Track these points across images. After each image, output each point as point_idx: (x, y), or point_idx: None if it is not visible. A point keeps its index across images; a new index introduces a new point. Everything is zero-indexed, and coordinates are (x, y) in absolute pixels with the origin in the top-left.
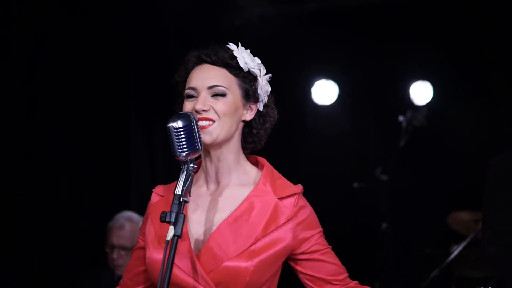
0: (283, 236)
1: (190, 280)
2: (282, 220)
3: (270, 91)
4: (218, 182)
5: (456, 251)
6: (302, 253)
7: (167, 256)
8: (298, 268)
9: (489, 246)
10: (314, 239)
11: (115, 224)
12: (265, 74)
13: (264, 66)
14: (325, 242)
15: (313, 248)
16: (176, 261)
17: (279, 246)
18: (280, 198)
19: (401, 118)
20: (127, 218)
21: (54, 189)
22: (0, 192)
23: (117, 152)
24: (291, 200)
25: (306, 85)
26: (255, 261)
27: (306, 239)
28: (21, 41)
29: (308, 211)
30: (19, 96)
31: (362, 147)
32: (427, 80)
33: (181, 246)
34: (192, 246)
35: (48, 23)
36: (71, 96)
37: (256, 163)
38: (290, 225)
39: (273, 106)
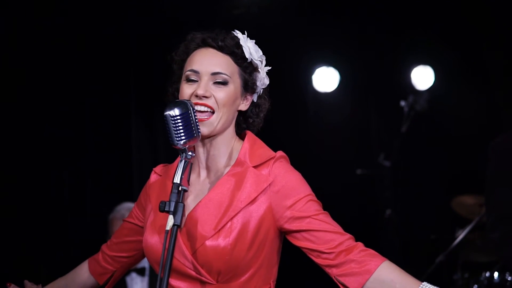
0: (259, 207)
1: (180, 264)
2: (257, 190)
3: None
4: (208, 168)
5: (461, 235)
6: (287, 223)
7: (167, 246)
8: (293, 241)
9: (492, 231)
10: (298, 206)
11: (116, 215)
12: (265, 66)
13: (265, 55)
14: (314, 207)
15: (298, 215)
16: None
17: (256, 217)
18: (255, 167)
19: (402, 103)
20: (128, 209)
21: (56, 182)
22: (3, 183)
23: (119, 143)
24: (267, 166)
25: (306, 72)
26: (232, 237)
27: (287, 207)
28: (21, 36)
29: (287, 176)
30: (21, 90)
31: (364, 133)
32: (428, 64)
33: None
34: (180, 231)
35: (48, 16)
36: (71, 89)
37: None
38: (267, 193)
39: (266, 97)
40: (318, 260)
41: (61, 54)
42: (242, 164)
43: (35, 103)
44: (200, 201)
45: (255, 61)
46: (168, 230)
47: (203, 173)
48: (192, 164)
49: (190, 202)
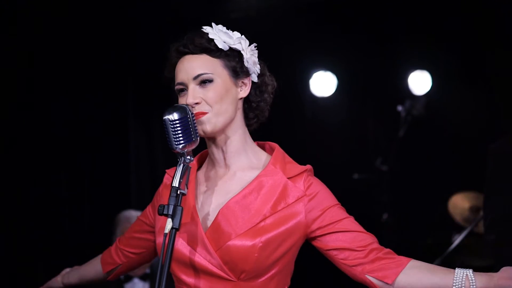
0: (295, 214)
1: (201, 260)
2: (292, 198)
3: (263, 60)
4: (227, 166)
5: (457, 240)
6: (319, 229)
7: (165, 249)
8: (321, 246)
9: (488, 233)
10: (330, 213)
11: (123, 217)
12: (249, 45)
13: (262, 59)
14: (343, 213)
15: (329, 221)
16: (186, 241)
17: (290, 223)
18: (289, 178)
19: (399, 108)
20: (129, 216)
21: (54, 187)
22: (1, 188)
23: (117, 148)
24: (300, 178)
25: (304, 77)
26: (264, 237)
27: (320, 215)
28: (20, 36)
29: (319, 187)
30: (19, 92)
31: (361, 138)
32: (426, 69)
33: (191, 226)
34: (202, 226)
35: (47, 19)
36: (69, 93)
37: (268, 150)
38: (301, 202)
39: (269, 74)
40: (346, 262)
41: (59, 57)
42: (275, 172)
43: (33, 106)
44: (231, 199)
45: (234, 46)
46: (166, 234)
47: (222, 171)
48: (190, 168)
49: (210, 196)
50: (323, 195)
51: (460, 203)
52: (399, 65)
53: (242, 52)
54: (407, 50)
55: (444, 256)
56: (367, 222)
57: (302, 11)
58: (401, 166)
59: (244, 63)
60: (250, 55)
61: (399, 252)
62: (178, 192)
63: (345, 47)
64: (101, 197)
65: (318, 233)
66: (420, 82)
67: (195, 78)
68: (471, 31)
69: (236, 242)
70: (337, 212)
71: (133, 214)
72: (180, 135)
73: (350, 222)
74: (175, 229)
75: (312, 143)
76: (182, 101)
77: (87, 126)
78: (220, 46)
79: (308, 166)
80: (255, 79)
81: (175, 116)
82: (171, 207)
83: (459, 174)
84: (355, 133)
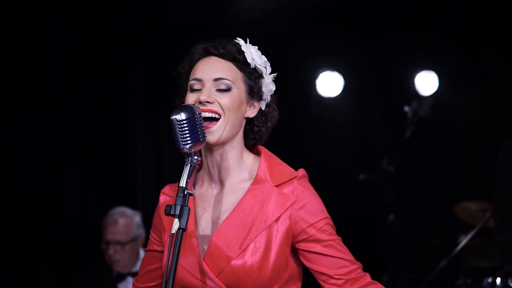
0: (282, 225)
1: (203, 285)
2: (281, 209)
3: (274, 91)
4: (221, 182)
5: (464, 241)
6: (303, 241)
7: (172, 249)
8: (304, 261)
9: (499, 233)
10: (317, 227)
11: (108, 220)
12: (270, 73)
13: (268, 59)
14: (330, 231)
15: (315, 237)
16: (186, 266)
17: (280, 235)
18: (278, 185)
19: (406, 108)
20: (120, 213)
21: (60, 185)
22: (7, 185)
23: (124, 147)
24: (289, 185)
25: (310, 77)
26: (258, 255)
27: (307, 226)
28: (25, 37)
29: (308, 196)
30: (24, 93)
31: (368, 138)
32: (432, 70)
33: (190, 251)
34: (200, 250)
35: (52, 19)
36: (76, 93)
37: (256, 153)
38: (288, 211)
39: (275, 107)
40: (324, 285)
41: (66, 55)
42: (263, 183)
43: (39, 104)
44: (223, 222)
45: (259, 67)
46: (173, 234)
47: (216, 188)
48: (197, 168)
49: (207, 219)
50: (311, 206)
51: (467, 207)
52: (406, 65)
53: (264, 75)
54: (414, 50)
55: (450, 257)
56: (373, 223)
57: (308, 12)
58: (408, 167)
59: (262, 87)
60: (269, 82)
61: (406, 253)
62: (185, 192)
63: (351, 47)
64: (106, 200)
65: (302, 246)
66: (427, 82)
67: (216, 80)
68: (477, 32)
69: (233, 264)
70: (324, 230)
71: (122, 209)
72: (188, 135)
73: (335, 245)
74: (182, 230)
75: (318, 144)
76: (191, 97)
77: (94, 124)
78: (248, 61)
79: (300, 172)
80: (263, 107)
81: (182, 116)
82: (178, 207)
83: (466, 175)
84: (362, 134)
